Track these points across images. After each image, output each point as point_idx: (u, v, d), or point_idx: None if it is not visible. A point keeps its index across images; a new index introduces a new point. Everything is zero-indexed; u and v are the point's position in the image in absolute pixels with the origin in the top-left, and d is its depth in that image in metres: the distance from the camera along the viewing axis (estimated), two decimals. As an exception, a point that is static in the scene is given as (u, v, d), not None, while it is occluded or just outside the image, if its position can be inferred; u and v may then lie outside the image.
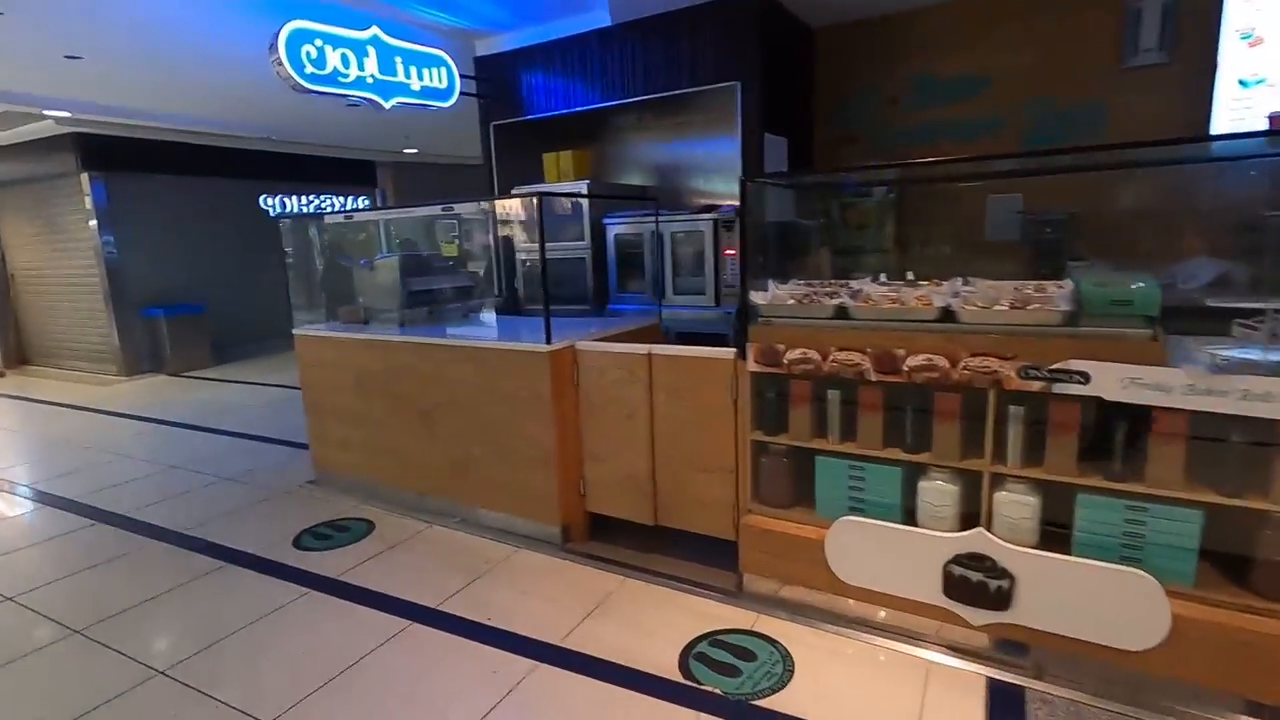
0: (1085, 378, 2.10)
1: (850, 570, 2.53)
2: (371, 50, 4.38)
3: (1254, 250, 2.87)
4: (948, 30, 4.62)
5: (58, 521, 3.96)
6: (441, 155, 11.83)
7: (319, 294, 4.52)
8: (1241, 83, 3.75)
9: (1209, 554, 2.09)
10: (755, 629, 2.59)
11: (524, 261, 5.34)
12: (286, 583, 3.11)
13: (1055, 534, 2.28)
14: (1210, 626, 1.99)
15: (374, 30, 4.37)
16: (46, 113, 7.03)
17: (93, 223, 8.16)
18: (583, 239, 5.09)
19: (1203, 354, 2.07)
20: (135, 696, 2.38)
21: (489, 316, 4.18)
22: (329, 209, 10.93)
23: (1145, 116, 4.14)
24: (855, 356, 2.48)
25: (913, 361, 2.36)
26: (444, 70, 4.90)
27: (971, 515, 2.39)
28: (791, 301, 2.68)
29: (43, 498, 4.36)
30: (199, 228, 9.16)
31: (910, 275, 2.89)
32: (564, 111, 5.18)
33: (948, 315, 2.37)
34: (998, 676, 2.26)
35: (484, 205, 5.42)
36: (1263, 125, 3.60)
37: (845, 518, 2.51)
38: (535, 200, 3.17)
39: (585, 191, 4.94)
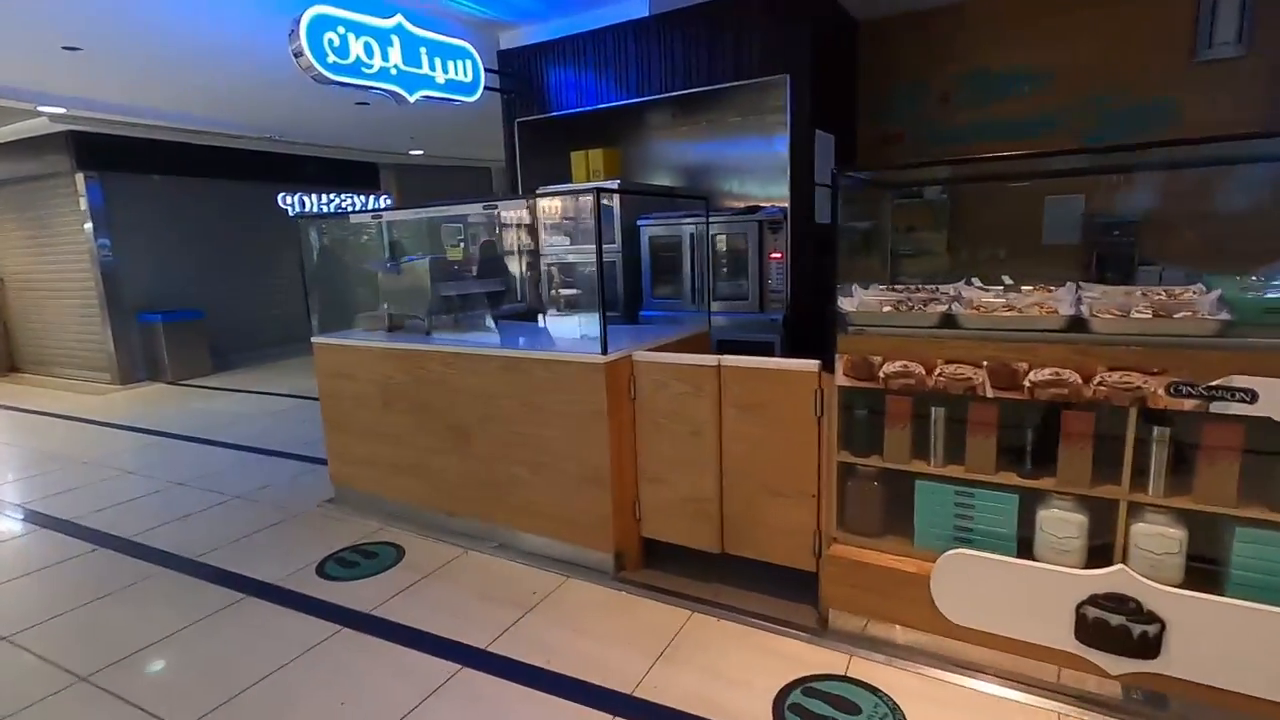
0: (1251, 396, 1.84)
1: (960, 609, 2.25)
2: (396, 39, 4.10)
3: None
4: (1003, 23, 4.39)
5: (55, 546, 3.64)
6: (447, 157, 11.55)
7: (336, 298, 4.21)
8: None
9: (1394, 597, 1.83)
10: (851, 674, 2.32)
11: (552, 265, 5.07)
12: (314, 618, 2.81)
13: (1202, 571, 2.02)
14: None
15: (398, 19, 4.10)
16: (41, 109, 6.70)
17: (88, 225, 7.82)
18: (613, 241, 4.83)
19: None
20: (153, 760, 2.08)
21: (522, 323, 3.89)
22: (350, 208, 10.61)
23: (1219, 113, 3.91)
24: (966, 370, 2.21)
25: (1036, 376, 2.10)
26: (469, 63, 4.62)
27: (1101, 549, 2.12)
28: (887, 309, 2.41)
29: (38, 519, 4.03)
30: (198, 230, 8.83)
31: (1008, 279, 2.63)
32: (591, 108, 4.92)
33: (1076, 325, 2.11)
34: (1140, 733, 1.99)
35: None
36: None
37: (958, 551, 2.23)
38: (592, 198, 2.88)
39: (616, 189, 4.69)
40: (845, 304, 2.47)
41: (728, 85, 4.30)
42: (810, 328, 4.30)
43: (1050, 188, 4.24)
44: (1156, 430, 2.00)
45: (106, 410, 6.88)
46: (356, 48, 3.90)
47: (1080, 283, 2.41)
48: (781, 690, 2.25)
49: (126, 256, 8.08)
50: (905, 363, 2.31)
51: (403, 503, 3.74)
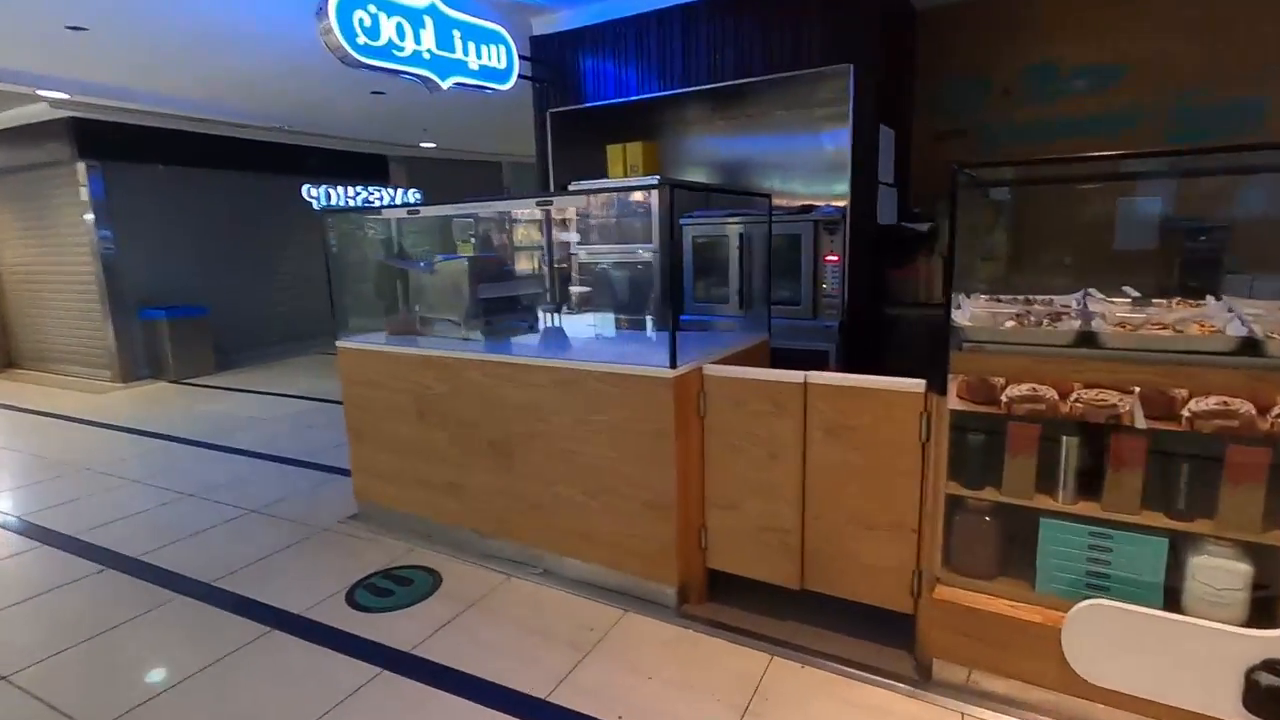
0: None
1: (1098, 666, 1.98)
2: (429, 21, 3.81)
3: None
4: (1074, 14, 4.12)
5: (59, 566, 3.35)
6: (458, 150, 11.24)
7: (359, 299, 3.93)
8: None
9: None
10: (967, 737, 2.05)
11: (586, 266, 4.79)
12: (350, 658, 2.53)
13: (1393, 632, 1.75)
14: None
15: (432, -2, 3.81)
16: (41, 93, 6.38)
17: (88, 216, 7.50)
18: (650, 241, 4.55)
19: None
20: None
21: (564, 329, 3.60)
22: (379, 201, 10.28)
23: (1315, 112, 3.65)
24: (1110, 396, 1.94)
25: (1199, 405, 1.83)
26: (503, 49, 4.33)
27: (1267, 603, 1.86)
28: (1008, 323, 2.14)
29: (39, 534, 3.74)
30: (201, 223, 8.51)
31: (1132, 291, 2.37)
32: (627, 100, 4.64)
33: (1247, 346, 1.84)
34: (1323, 820, 1.73)
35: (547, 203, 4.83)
36: None
37: (1097, 601, 1.96)
38: (661, 193, 2.59)
39: (656, 184, 4.41)
40: (960, 317, 2.20)
41: (778, 76, 4.02)
42: (868, 336, 4.03)
43: (1124, 189, 3.97)
44: (1346, 471, 1.74)
45: (108, 410, 6.58)
46: (388, 28, 3.61)
47: (1224, 296, 2.14)
48: (893, 757, 1.98)
49: (128, 249, 7.76)
50: (1034, 386, 2.04)
51: (435, 522, 3.46)
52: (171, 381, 7.83)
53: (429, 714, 2.22)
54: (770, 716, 2.16)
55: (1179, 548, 1.96)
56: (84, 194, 7.45)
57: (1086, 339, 2.01)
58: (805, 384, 2.44)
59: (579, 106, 4.86)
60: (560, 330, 3.54)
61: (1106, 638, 1.96)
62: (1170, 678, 1.90)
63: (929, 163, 4.64)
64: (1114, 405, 1.93)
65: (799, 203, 4.45)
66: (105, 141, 7.44)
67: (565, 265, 4.96)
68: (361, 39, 3.49)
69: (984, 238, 4.32)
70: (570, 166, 5.04)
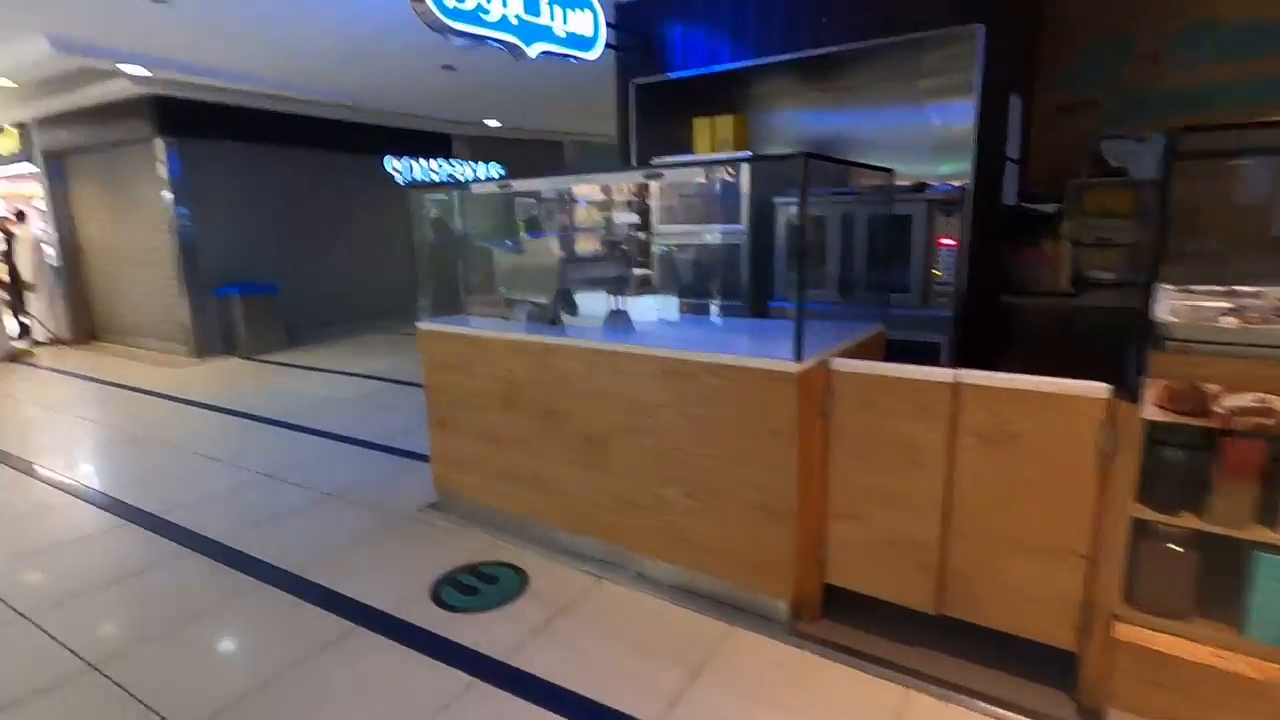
0: None
1: (1336, 737, 1.65)
2: (517, -17, 3.58)
3: None
4: (1238, -36, 3.61)
5: (141, 547, 3.31)
6: (523, 130, 11.07)
7: (440, 278, 3.76)
8: None
9: None
10: (1161, 807, 1.75)
11: (668, 247, 4.53)
12: (439, 663, 2.37)
13: None
14: None
15: (521, -41, 3.57)
16: (123, 68, 6.42)
17: (166, 193, 7.61)
18: (737, 222, 4.25)
19: None
20: None
21: (668, 315, 3.35)
22: (465, 178, 10.27)
23: None
24: (1372, 412, 1.59)
25: None
26: (590, 16, 4.08)
27: None
28: (1227, 320, 1.79)
29: (122, 511, 3.72)
30: (270, 200, 8.56)
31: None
32: (717, 69, 4.32)
33: None
34: None
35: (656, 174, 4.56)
36: None
37: (1344, 661, 1.63)
38: (802, 163, 2.30)
39: (743, 160, 4.11)
40: (1163, 311, 1.86)
41: (888, 42, 3.64)
42: (986, 328, 3.66)
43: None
44: None
45: (184, 385, 6.67)
46: (476, -9, 3.39)
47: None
48: (1075, 826, 1.69)
49: (204, 226, 7.86)
50: (1262, 396, 1.70)
51: (519, 516, 3.28)
52: (243, 357, 7.92)
53: (531, 734, 2.04)
54: (918, 763, 1.90)
55: None
56: (162, 171, 7.55)
57: (1338, 341, 1.65)
58: (956, 384, 2.14)
59: (664, 78, 4.57)
60: (653, 315, 3.29)
61: (1353, 704, 1.62)
62: None
63: (1052, 138, 4.20)
64: (1376, 423, 1.58)
65: (921, 181, 4.08)
66: (182, 119, 7.51)
67: (642, 246, 4.72)
68: (451, 2, 3.29)
69: (1116, 222, 3.88)
70: (651, 142, 4.76)
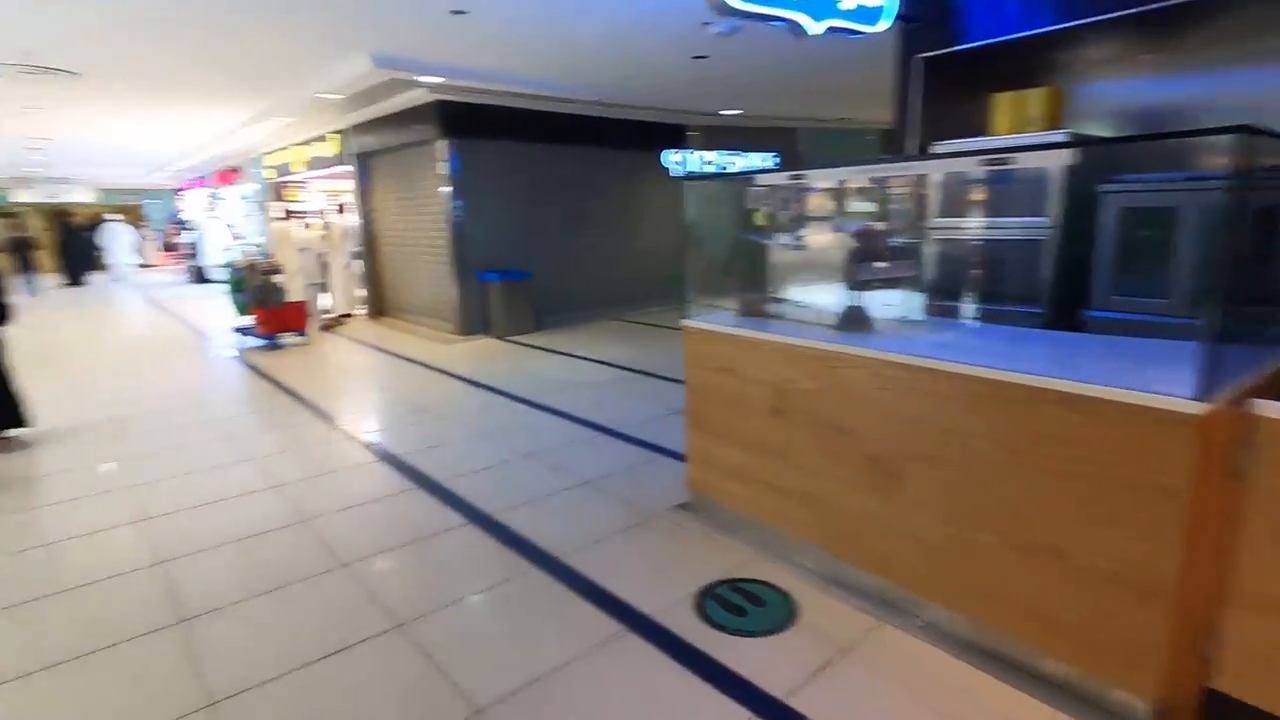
0: None
1: None
2: (807, -45, 3.30)
3: None
4: None
5: (430, 513, 3.64)
6: (760, 116, 10.78)
7: (702, 273, 3.63)
8: None
9: None
10: None
11: (952, 243, 3.98)
12: (715, 691, 2.22)
13: None
14: None
15: (813, -73, 3.28)
16: (420, 79, 7.27)
17: (445, 189, 8.54)
18: (1041, 214, 3.57)
19: None
20: None
21: (963, 322, 2.90)
22: (739, 169, 10.58)
23: None
24: None
25: None
26: (881, -17, 3.66)
27: None
28: None
29: (412, 476, 4.15)
30: (524, 193, 9.25)
31: None
32: (1026, 35, 3.65)
33: None
34: None
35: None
36: None
37: None
38: (1242, 140, 1.76)
39: (1060, 142, 3.41)
40: None
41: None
42: None
43: None
44: None
45: (452, 360, 7.45)
46: (766, -32, 3.17)
47: None
48: None
49: (471, 218, 8.71)
50: None
51: (782, 532, 3.06)
52: (496, 338, 8.69)
53: (827, 801, 1.80)
54: None
55: None
56: (442, 168, 8.49)
57: None
58: None
59: (955, 50, 3.99)
60: (958, 322, 2.85)
61: None
62: None
63: None
64: None
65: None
66: (459, 121, 8.36)
67: (920, 243, 4.19)
68: (739, -19, 3.11)
69: None
70: (934, 123, 4.20)
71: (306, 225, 10.41)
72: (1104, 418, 1.94)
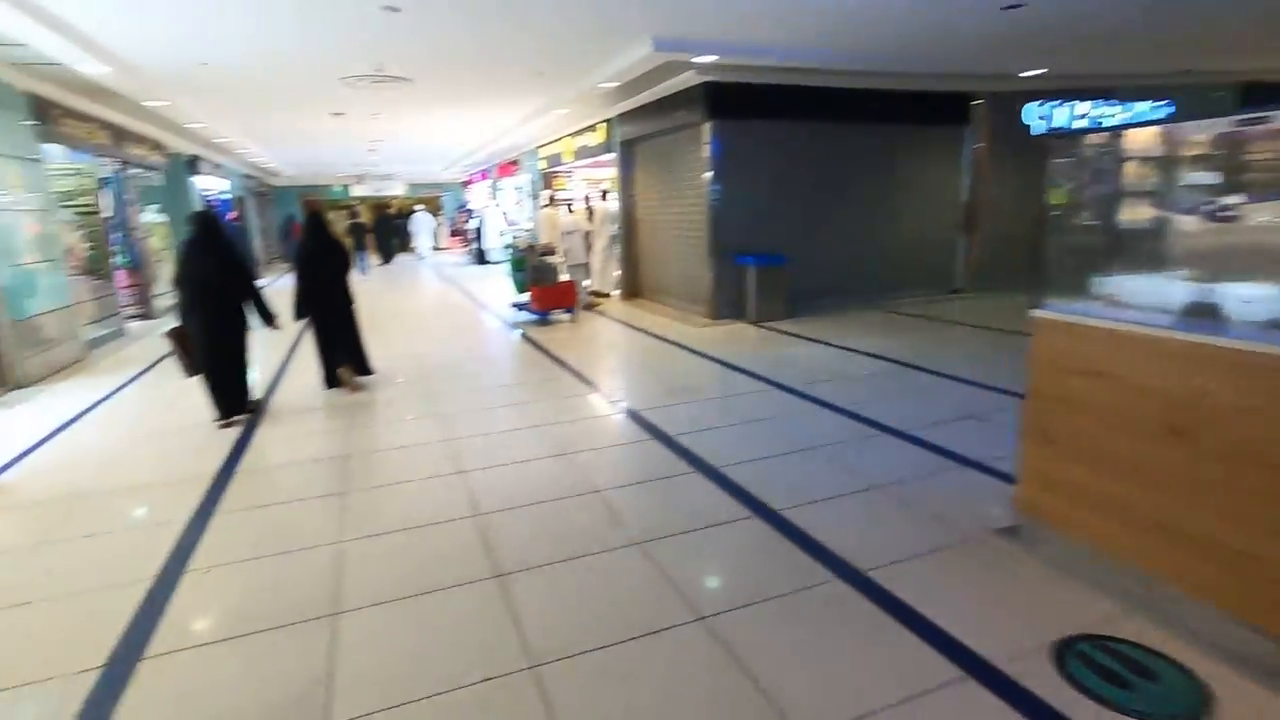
0: None
1: None
2: None
3: None
4: None
5: (710, 500, 3.50)
6: (1069, 77, 9.14)
7: (1062, 254, 2.98)
8: None
9: None
10: None
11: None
12: (1107, 783, 1.73)
13: None
14: None
15: None
16: (695, 60, 7.23)
17: (705, 172, 8.48)
18: None
19: None
20: None
21: None
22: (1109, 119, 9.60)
23: None
24: None
25: None
26: None
27: None
28: None
29: (688, 459, 4.07)
30: (783, 175, 8.85)
31: None
32: None
33: None
34: None
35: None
36: None
37: None
38: None
39: None
40: None
41: None
42: None
43: None
44: None
45: (709, 343, 7.39)
46: None
47: None
48: None
49: (729, 201, 8.55)
50: None
51: (1163, 586, 2.39)
52: (750, 323, 8.48)
53: None
54: None
55: None
56: (705, 151, 8.43)
57: None
58: None
59: None
60: None
61: None
62: None
63: None
64: None
65: None
66: (723, 102, 8.20)
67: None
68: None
69: None
70: None
71: (570, 210, 11.14)
72: None
